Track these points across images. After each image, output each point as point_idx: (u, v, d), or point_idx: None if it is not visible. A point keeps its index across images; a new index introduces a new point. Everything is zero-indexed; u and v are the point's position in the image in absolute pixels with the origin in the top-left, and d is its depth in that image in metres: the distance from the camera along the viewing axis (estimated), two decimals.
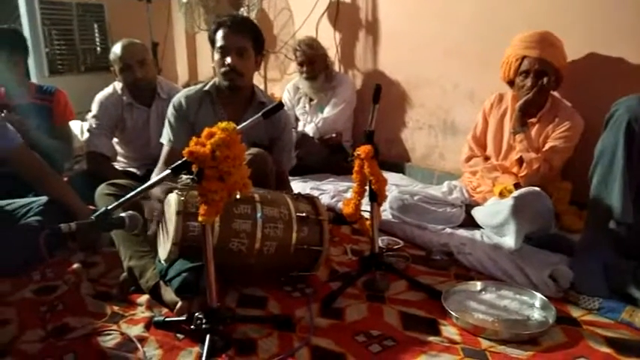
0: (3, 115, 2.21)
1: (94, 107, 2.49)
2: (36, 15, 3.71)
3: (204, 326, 1.32)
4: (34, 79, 3.39)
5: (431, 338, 1.44)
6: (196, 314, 1.35)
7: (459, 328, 1.49)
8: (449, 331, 1.48)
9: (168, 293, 1.55)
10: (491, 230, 2.02)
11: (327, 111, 3.24)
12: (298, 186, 2.79)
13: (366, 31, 3.32)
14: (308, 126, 3.24)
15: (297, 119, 3.40)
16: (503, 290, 1.68)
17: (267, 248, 1.64)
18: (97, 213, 1.26)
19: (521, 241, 1.88)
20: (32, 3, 3.68)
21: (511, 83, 2.26)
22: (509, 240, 1.89)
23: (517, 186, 2.12)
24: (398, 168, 3.16)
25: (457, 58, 2.79)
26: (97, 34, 4.20)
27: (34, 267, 1.86)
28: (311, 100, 3.34)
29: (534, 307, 1.59)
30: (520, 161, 2.17)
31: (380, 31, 3.24)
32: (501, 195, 2.10)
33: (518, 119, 2.16)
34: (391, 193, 2.25)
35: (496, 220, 1.95)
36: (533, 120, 2.21)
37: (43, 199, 1.98)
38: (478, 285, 1.71)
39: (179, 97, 2.06)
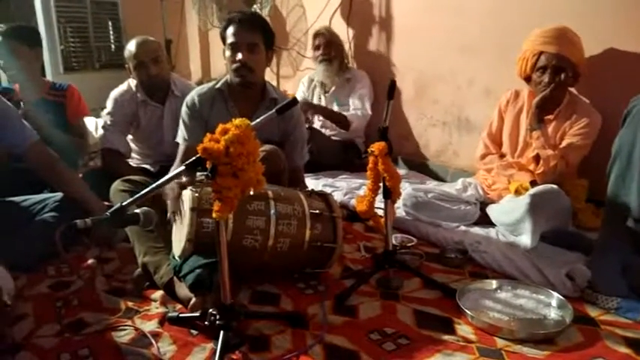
0: (21, 111, 2.23)
1: (109, 104, 2.51)
2: (51, 12, 3.74)
3: (217, 322, 1.32)
4: (49, 76, 3.43)
5: (446, 337, 1.43)
6: (210, 310, 1.36)
7: (474, 327, 1.47)
8: (464, 329, 1.47)
9: (182, 289, 1.56)
10: (507, 228, 2.00)
11: (356, 104, 3.21)
12: (311, 183, 2.78)
13: (380, 27, 3.30)
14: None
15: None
16: (519, 289, 1.66)
17: (280, 245, 1.64)
18: (112, 209, 1.26)
19: (537, 239, 1.85)
20: (47, 0, 3.71)
21: (528, 79, 2.23)
22: (525, 238, 1.86)
23: (533, 183, 2.10)
24: (411, 164, 3.14)
25: (472, 54, 2.76)
26: (111, 32, 4.23)
27: (49, 262, 1.88)
28: (326, 91, 3.34)
29: (551, 307, 1.57)
30: (536, 158, 2.14)
31: (393, 27, 3.21)
32: (517, 192, 2.06)
33: (535, 116, 2.13)
34: (405, 190, 2.23)
35: (512, 218, 1.93)
36: (550, 117, 2.18)
37: (59, 195, 2.00)
38: (493, 283, 1.70)
39: (192, 95, 2.06)
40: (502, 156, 2.34)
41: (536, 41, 2.14)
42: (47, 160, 2.01)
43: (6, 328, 1.24)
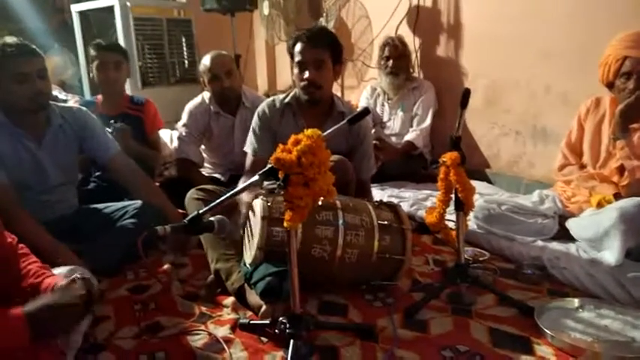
0: (114, 125, 2.38)
1: (184, 116, 2.62)
2: (130, 31, 3.97)
3: (288, 331, 1.33)
4: (128, 91, 3.63)
5: (524, 357, 1.36)
6: (280, 319, 1.37)
7: (554, 347, 1.40)
8: (543, 350, 1.39)
9: (253, 296, 1.58)
10: (589, 244, 1.87)
11: (420, 115, 3.20)
12: (376, 194, 2.75)
13: (448, 35, 3.24)
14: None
15: (376, 124, 3.38)
16: (603, 309, 1.56)
17: (348, 256, 1.63)
18: (190, 217, 1.31)
19: (623, 255, 1.72)
20: (127, 19, 3.95)
21: (610, 86, 2.10)
22: (608, 254, 1.74)
23: (617, 196, 1.97)
24: (479, 175, 3.03)
25: (549, 60, 2.64)
26: (185, 48, 4.41)
27: (128, 266, 1.97)
28: (389, 98, 3.32)
29: (639, 329, 1.45)
30: (621, 170, 2.00)
31: (463, 35, 3.15)
32: (599, 205, 1.95)
33: (619, 124, 1.99)
34: (476, 202, 2.15)
35: (595, 233, 1.81)
36: (636, 125, 2.03)
37: (138, 202, 2.09)
38: (575, 302, 1.60)
39: (263, 107, 2.11)
40: (582, 167, 2.21)
41: (619, 45, 2.01)
42: (128, 169, 2.12)
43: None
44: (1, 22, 4.55)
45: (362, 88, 3.76)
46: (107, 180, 2.40)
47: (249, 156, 2.11)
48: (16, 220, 1.69)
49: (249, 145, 2.11)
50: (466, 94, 1.56)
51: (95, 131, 2.09)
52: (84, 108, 2.16)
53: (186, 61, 4.44)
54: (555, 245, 1.96)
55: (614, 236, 1.72)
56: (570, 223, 1.99)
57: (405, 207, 2.54)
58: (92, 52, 2.61)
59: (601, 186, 2.06)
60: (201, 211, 1.32)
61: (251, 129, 2.12)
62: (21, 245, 1.35)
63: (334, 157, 1.83)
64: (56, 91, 3.52)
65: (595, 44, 2.17)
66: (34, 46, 1.84)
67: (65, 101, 3.28)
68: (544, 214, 2.08)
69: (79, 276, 1.20)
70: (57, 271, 1.39)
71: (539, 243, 1.99)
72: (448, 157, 1.60)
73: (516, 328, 1.50)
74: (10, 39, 1.82)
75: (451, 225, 1.79)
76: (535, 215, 2.08)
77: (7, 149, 1.86)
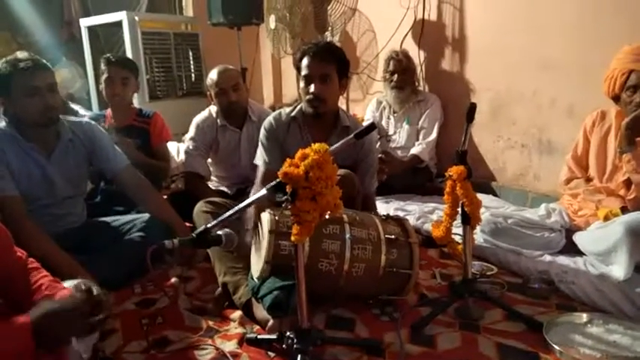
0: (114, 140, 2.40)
1: (192, 130, 2.64)
2: (139, 45, 4.01)
3: (295, 346, 1.33)
4: (136, 104, 3.66)
5: None
6: (287, 333, 1.37)
7: None
8: None
9: (260, 311, 1.59)
10: (597, 258, 1.87)
11: (426, 129, 3.21)
12: (381, 207, 2.76)
13: (453, 48, 3.26)
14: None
15: (382, 137, 3.39)
16: (612, 324, 1.55)
17: (355, 270, 1.63)
18: (198, 231, 1.32)
19: (631, 270, 1.72)
20: (136, 34, 4.00)
21: (616, 99, 2.10)
22: (617, 269, 1.74)
23: (624, 210, 1.96)
24: (485, 188, 3.02)
25: (554, 72, 2.65)
26: (192, 62, 4.45)
27: (135, 280, 1.96)
28: (394, 111, 3.33)
29: None
30: (627, 183, 2.00)
31: (468, 48, 3.16)
32: (606, 219, 1.94)
33: (626, 138, 1.99)
34: (482, 215, 2.15)
35: (602, 247, 1.80)
36: None
37: (145, 216, 2.11)
38: (583, 317, 1.59)
39: (269, 119, 2.13)
40: (589, 180, 2.21)
41: (625, 59, 2.02)
42: (137, 183, 2.13)
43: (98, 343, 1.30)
44: (11, 35, 4.61)
45: (367, 101, 3.78)
46: (114, 192, 2.41)
47: (259, 168, 2.11)
48: (24, 231, 1.70)
49: (259, 158, 2.12)
50: (472, 108, 1.57)
51: (104, 145, 2.11)
52: (93, 122, 2.18)
53: (193, 75, 4.48)
54: (563, 259, 1.96)
55: (621, 250, 1.72)
56: (578, 237, 1.99)
57: (411, 220, 2.54)
58: (102, 65, 2.65)
59: (608, 199, 2.06)
60: (209, 225, 1.32)
61: (259, 142, 2.13)
62: (31, 259, 1.36)
63: (340, 171, 1.84)
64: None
65: (600, 57, 2.19)
66: (44, 61, 1.87)
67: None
68: (551, 227, 2.07)
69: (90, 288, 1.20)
70: (65, 284, 1.39)
71: (547, 257, 1.99)
72: (454, 171, 1.61)
73: (524, 344, 1.49)
74: (21, 54, 1.85)
75: (458, 239, 1.79)
76: (542, 229, 2.08)
77: (17, 162, 1.88)
